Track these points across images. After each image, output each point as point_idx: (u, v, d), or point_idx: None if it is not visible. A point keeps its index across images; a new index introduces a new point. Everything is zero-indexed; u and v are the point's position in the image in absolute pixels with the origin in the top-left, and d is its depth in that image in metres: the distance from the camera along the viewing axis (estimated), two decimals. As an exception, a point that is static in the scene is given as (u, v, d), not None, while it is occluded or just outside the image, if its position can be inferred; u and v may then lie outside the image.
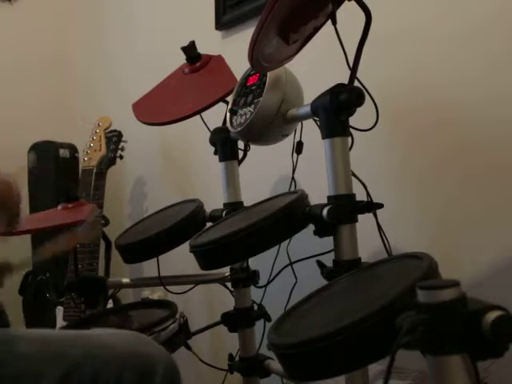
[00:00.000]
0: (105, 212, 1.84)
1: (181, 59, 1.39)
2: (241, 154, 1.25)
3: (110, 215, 1.83)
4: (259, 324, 1.23)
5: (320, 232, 0.85)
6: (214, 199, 1.26)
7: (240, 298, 1.24)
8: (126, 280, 1.38)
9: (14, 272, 0.87)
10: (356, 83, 0.87)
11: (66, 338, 0.64)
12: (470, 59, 1.12)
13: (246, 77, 1.11)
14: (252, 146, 1.23)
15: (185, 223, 1.15)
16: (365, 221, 0.87)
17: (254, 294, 1.26)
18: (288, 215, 0.84)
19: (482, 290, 1.03)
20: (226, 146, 1.21)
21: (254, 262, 1.22)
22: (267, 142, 1.08)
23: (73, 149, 2.19)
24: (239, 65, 1.11)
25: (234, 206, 1.20)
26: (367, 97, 0.85)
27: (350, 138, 0.89)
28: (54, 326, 1.84)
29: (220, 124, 1.27)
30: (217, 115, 1.28)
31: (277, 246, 1.12)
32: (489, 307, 0.48)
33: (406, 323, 0.48)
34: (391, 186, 1.26)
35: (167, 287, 1.24)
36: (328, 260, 0.87)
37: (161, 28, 2.09)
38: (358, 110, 0.85)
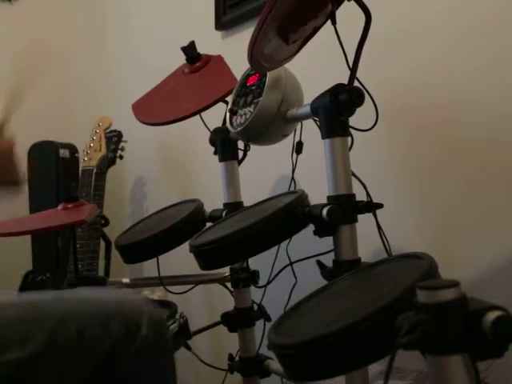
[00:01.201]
0: (105, 212, 1.84)
1: (181, 59, 1.39)
2: (241, 154, 1.25)
3: (110, 215, 1.83)
4: (259, 324, 1.23)
5: (320, 232, 0.85)
6: (213, 199, 1.26)
7: (240, 298, 1.24)
8: (126, 280, 1.38)
9: None
10: (356, 83, 0.87)
11: (50, 299, 0.64)
12: (470, 59, 1.12)
13: (246, 77, 1.11)
14: (252, 146, 1.23)
15: (185, 223, 1.15)
16: (365, 221, 0.87)
17: (254, 294, 1.26)
18: (288, 215, 0.84)
19: (482, 290, 1.04)
20: (225, 146, 1.21)
21: (253, 262, 1.22)
22: (267, 142, 1.08)
23: (73, 149, 2.19)
24: (239, 65, 1.11)
25: (234, 206, 1.20)
26: (367, 97, 0.85)
27: (349, 138, 0.89)
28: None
29: (220, 124, 1.27)
30: (217, 115, 1.28)
31: (277, 246, 1.12)
32: (489, 307, 0.48)
33: (406, 323, 0.48)
34: (391, 186, 1.26)
35: (167, 287, 1.24)
36: (328, 260, 0.87)
37: (161, 28, 2.09)
38: (358, 110, 0.85)
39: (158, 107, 1.37)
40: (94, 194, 1.82)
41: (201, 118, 1.30)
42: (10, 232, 1.24)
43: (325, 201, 0.86)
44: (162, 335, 0.64)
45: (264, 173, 1.56)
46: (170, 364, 0.66)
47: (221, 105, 1.25)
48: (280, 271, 1.08)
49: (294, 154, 1.14)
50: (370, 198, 0.90)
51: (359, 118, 0.87)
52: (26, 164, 2.17)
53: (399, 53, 1.25)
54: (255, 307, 1.25)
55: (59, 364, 0.56)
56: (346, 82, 0.86)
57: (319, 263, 0.88)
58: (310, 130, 1.07)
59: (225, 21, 1.74)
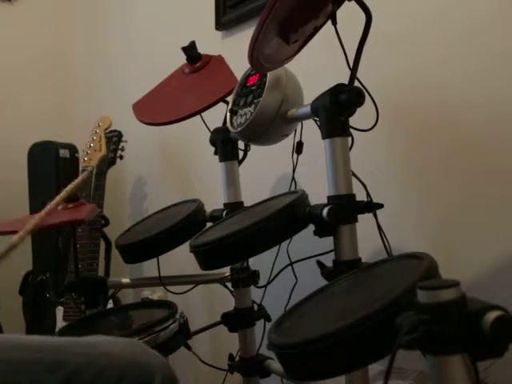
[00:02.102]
0: (105, 212, 1.84)
1: (181, 59, 1.39)
2: (241, 154, 1.25)
3: (110, 215, 1.83)
4: (259, 324, 1.23)
5: (320, 232, 0.85)
6: (214, 199, 1.26)
7: (240, 298, 1.24)
8: (126, 280, 1.38)
9: None
10: (356, 83, 0.87)
11: (65, 346, 0.64)
12: (469, 59, 1.12)
13: (246, 77, 1.11)
14: (252, 146, 1.23)
15: (185, 223, 1.15)
16: (365, 221, 0.87)
17: (254, 294, 1.26)
18: (288, 215, 0.84)
19: (482, 290, 1.04)
20: (226, 146, 1.21)
21: (254, 262, 1.22)
22: (267, 142, 1.08)
23: (73, 149, 2.19)
24: (239, 65, 1.11)
25: (234, 206, 1.20)
26: (367, 97, 0.85)
27: (350, 138, 0.89)
28: (54, 326, 1.84)
29: (220, 124, 1.27)
30: (217, 115, 1.28)
31: (277, 246, 1.12)
32: (489, 307, 0.48)
33: (406, 323, 0.48)
34: (391, 186, 1.26)
35: (167, 287, 1.24)
36: (328, 260, 0.87)
37: (161, 28, 2.09)
38: (358, 110, 0.85)
39: (158, 107, 1.37)
40: (93, 193, 1.82)
41: (201, 118, 1.30)
42: (9, 231, 1.24)
43: (325, 201, 0.86)
44: None
45: (264, 173, 1.56)
46: None
47: (221, 105, 1.25)
48: (280, 271, 1.08)
49: (295, 154, 1.14)
50: (370, 198, 0.90)
51: (359, 118, 0.87)
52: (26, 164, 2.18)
53: (399, 53, 1.25)
54: (255, 307, 1.25)
55: None
56: (346, 82, 0.86)
57: (319, 263, 0.88)
58: (310, 130, 1.07)
59: (225, 21, 1.74)
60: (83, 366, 0.59)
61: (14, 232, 1.24)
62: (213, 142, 1.24)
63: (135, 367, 0.62)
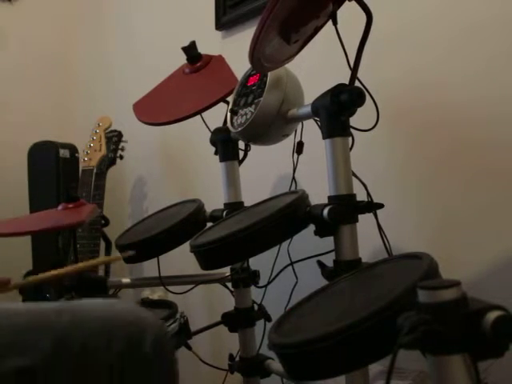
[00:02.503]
0: (105, 212, 1.84)
1: (181, 59, 1.39)
2: (241, 154, 1.25)
3: (110, 215, 1.83)
4: (259, 324, 1.23)
5: (320, 232, 0.85)
6: (214, 199, 1.26)
7: (240, 298, 1.24)
8: (126, 280, 1.37)
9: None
10: (357, 83, 0.87)
11: (54, 309, 0.64)
12: (469, 59, 1.12)
13: (247, 77, 1.11)
14: (252, 146, 1.23)
15: (185, 223, 1.15)
16: (365, 221, 0.87)
17: (255, 294, 1.26)
18: (288, 215, 0.84)
19: (482, 290, 1.04)
20: (226, 146, 1.21)
21: (254, 262, 1.22)
22: (268, 142, 1.09)
23: (73, 149, 2.19)
24: (239, 65, 1.11)
25: (235, 206, 1.20)
26: (368, 97, 0.85)
27: (350, 138, 0.89)
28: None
29: (220, 124, 1.27)
30: (217, 115, 1.28)
31: (277, 246, 1.12)
32: (489, 307, 0.48)
33: (407, 323, 0.48)
34: (392, 186, 1.26)
35: (167, 287, 1.24)
36: (328, 260, 0.87)
37: (161, 28, 2.09)
38: (359, 110, 0.85)
39: (158, 107, 1.37)
40: (94, 194, 1.82)
41: (201, 118, 1.30)
42: (10, 232, 1.24)
43: (325, 201, 0.86)
44: (164, 348, 0.64)
45: (265, 173, 1.56)
46: (173, 376, 0.66)
47: (221, 105, 1.25)
48: (281, 271, 1.08)
49: (295, 154, 1.14)
50: (371, 197, 0.90)
51: (360, 118, 0.87)
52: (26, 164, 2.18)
53: (400, 53, 1.25)
54: (256, 307, 1.25)
55: (61, 375, 0.56)
56: (346, 82, 0.86)
57: (320, 263, 0.88)
58: (310, 130, 1.07)
59: (225, 21, 1.74)
60: (72, 325, 0.60)
61: (14, 232, 1.24)
62: (213, 142, 1.24)
63: (126, 325, 0.62)
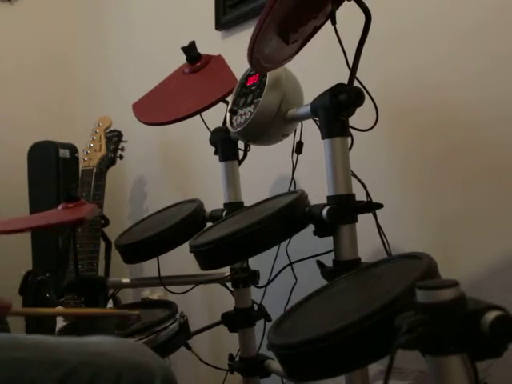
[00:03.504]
0: (105, 212, 1.84)
1: (181, 59, 1.39)
2: (241, 154, 1.25)
3: (110, 215, 1.83)
4: (259, 324, 1.23)
5: (320, 232, 0.85)
6: (214, 199, 1.26)
7: (240, 298, 1.24)
8: (126, 280, 1.38)
9: None
10: (356, 83, 0.87)
11: (64, 345, 0.64)
12: (470, 59, 1.12)
13: (246, 77, 1.11)
14: (252, 146, 1.23)
15: (185, 223, 1.15)
16: (365, 221, 0.87)
17: (254, 294, 1.26)
18: (288, 215, 0.84)
19: (482, 290, 1.04)
20: (226, 146, 1.21)
21: (254, 262, 1.22)
22: (267, 142, 1.09)
23: (73, 149, 2.19)
24: (239, 65, 1.11)
25: (234, 206, 1.20)
26: (367, 97, 0.85)
27: (349, 138, 0.89)
28: (54, 326, 1.84)
29: (220, 124, 1.27)
30: (217, 115, 1.28)
31: (277, 246, 1.12)
32: (488, 307, 0.48)
33: (406, 323, 0.48)
34: (391, 186, 1.26)
35: (167, 287, 1.24)
36: (328, 260, 0.87)
37: (161, 28, 2.09)
38: (358, 110, 0.85)
39: (158, 107, 1.37)
40: (94, 194, 1.82)
41: (201, 117, 1.30)
42: (9, 229, 1.24)
43: (325, 201, 0.86)
44: None
45: (264, 173, 1.56)
46: None
47: (221, 105, 1.25)
48: (280, 271, 1.08)
49: (294, 154, 1.14)
50: (370, 198, 0.90)
51: (359, 118, 0.87)
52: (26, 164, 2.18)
53: (399, 53, 1.25)
54: (255, 307, 1.25)
55: None
56: (345, 82, 0.86)
57: (319, 263, 0.88)
58: (310, 130, 1.07)
59: (225, 21, 1.74)
60: (81, 364, 0.59)
61: (14, 229, 1.24)
62: (213, 141, 1.24)
63: (134, 367, 0.62)
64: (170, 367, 0.68)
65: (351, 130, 0.89)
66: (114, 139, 1.92)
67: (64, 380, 0.57)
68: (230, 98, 1.14)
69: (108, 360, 0.62)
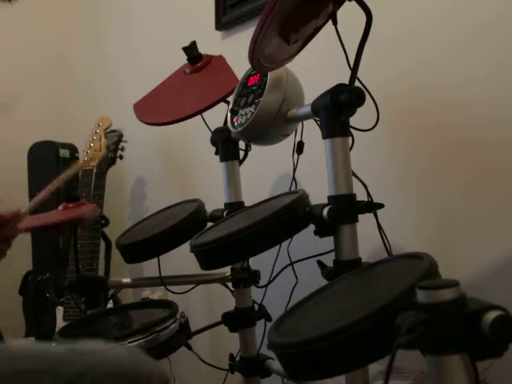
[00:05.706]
0: (105, 212, 1.84)
1: (181, 59, 1.39)
2: (242, 154, 1.25)
3: (110, 215, 1.83)
4: (260, 324, 1.23)
5: (320, 232, 0.85)
6: (214, 199, 1.26)
7: (241, 298, 1.24)
8: (126, 280, 1.38)
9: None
10: (357, 83, 0.87)
11: (62, 355, 0.64)
12: (470, 59, 1.12)
13: (247, 77, 1.11)
14: (253, 146, 1.23)
15: (185, 223, 1.15)
16: (365, 221, 0.87)
17: (255, 293, 1.26)
18: (289, 215, 0.84)
19: (482, 290, 1.04)
20: (227, 146, 1.21)
21: (254, 262, 1.22)
22: (268, 142, 1.09)
23: (73, 149, 2.19)
24: (240, 65, 1.11)
25: (235, 206, 1.20)
26: (368, 97, 0.86)
27: (350, 138, 0.89)
28: (54, 326, 1.84)
29: (221, 124, 1.27)
30: (218, 115, 1.28)
31: (277, 246, 1.12)
32: (488, 307, 0.48)
33: (406, 323, 0.48)
34: (392, 186, 1.26)
35: (168, 287, 1.24)
36: (328, 260, 0.87)
37: (161, 28, 2.09)
38: (359, 110, 0.85)
39: (159, 107, 1.37)
40: (94, 193, 1.82)
41: (202, 118, 1.30)
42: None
43: (325, 201, 0.86)
44: None
45: (265, 173, 1.56)
46: None
47: (222, 105, 1.25)
48: (281, 271, 1.08)
49: (295, 154, 1.14)
50: (371, 197, 0.90)
51: (360, 118, 0.87)
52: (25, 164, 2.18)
53: (400, 53, 1.25)
54: (256, 307, 1.25)
55: None
56: (346, 82, 0.86)
57: (320, 263, 0.88)
58: (310, 130, 1.07)
59: (225, 21, 1.74)
60: (79, 374, 0.60)
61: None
62: (214, 141, 1.24)
63: (131, 374, 0.63)
64: (167, 372, 0.68)
65: (352, 130, 0.89)
66: (114, 139, 1.92)
67: None
68: (230, 98, 1.14)
69: (105, 368, 0.62)
